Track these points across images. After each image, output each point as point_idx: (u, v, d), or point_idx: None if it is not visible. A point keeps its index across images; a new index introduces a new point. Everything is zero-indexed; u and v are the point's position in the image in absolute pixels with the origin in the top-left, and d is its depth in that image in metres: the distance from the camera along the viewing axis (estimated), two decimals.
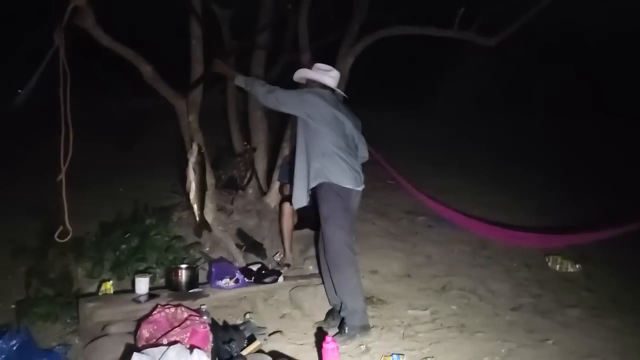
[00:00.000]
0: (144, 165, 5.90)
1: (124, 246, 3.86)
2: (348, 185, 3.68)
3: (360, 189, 3.79)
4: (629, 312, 4.09)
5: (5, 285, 3.65)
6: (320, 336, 3.64)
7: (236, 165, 5.12)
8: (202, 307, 3.44)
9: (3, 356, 2.91)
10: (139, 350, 2.61)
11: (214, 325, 3.18)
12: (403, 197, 6.01)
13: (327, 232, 3.70)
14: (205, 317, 3.27)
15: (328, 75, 3.90)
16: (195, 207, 4.10)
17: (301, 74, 4.00)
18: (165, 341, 2.84)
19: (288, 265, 4.64)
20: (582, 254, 5.07)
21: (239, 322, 3.71)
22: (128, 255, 3.83)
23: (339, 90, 3.99)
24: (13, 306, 3.49)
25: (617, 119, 9.60)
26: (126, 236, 3.92)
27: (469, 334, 3.67)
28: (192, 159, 4.08)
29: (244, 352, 2.87)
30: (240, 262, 4.45)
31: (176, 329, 2.92)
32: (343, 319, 3.63)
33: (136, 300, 3.44)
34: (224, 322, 3.46)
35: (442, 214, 5.44)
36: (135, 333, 3.04)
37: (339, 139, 3.72)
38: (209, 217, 4.50)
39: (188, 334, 2.92)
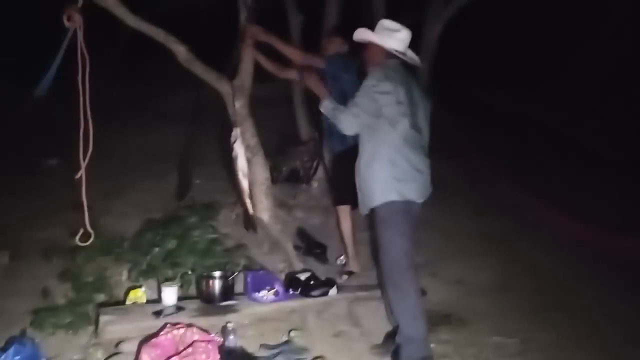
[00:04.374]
0: (206, 157, 5.51)
1: (157, 249, 3.47)
2: (414, 198, 3.01)
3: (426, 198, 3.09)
4: None
5: (34, 290, 3.43)
6: None
7: (299, 156, 4.54)
8: (229, 324, 2.94)
9: None
10: None
11: (227, 353, 2.65)
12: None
13: (383, 237, 3.01)
14: (219, 340, 2.77)
15: (395, 38, 3.08)
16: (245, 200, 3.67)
17: (362, 35, 3.20)
18: None
19: (351, 272, 3.99)
20: None
21: (283, 339, 3.17)
22: (161, 259, 3.43)
23: (410, 54, 3.16)
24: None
25: None
26: (158, 238, 3.53)
27: None
28: (236, 147, 3.62)
29: None
30: (296, 266, 3.91)
31: (174, 357, 2.44)
32: (398, 346, 2.93)
33: (156, 314, 3.02)
34: (241, 347, 2.91)
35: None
36: (136, 357, 2.61)
37: (410, 136, 2.98)
38: (265, 215, 4.00)
39: None
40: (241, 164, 3.83)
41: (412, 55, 3.18)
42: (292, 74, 4.38)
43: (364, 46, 3.22)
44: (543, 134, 7.05)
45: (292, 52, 3.97)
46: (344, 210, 3.97)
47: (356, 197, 3.21)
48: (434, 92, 4.57)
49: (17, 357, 2.71)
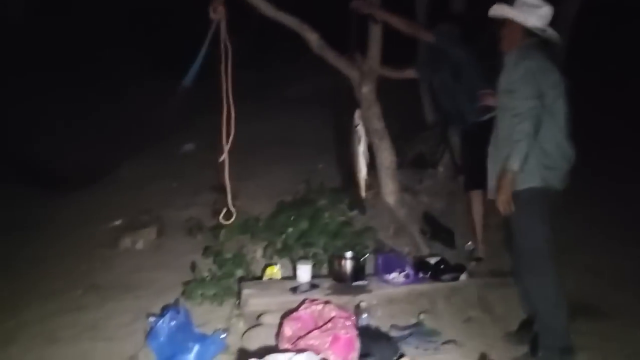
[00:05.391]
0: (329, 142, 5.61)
1: (290, 229, 3.64)
2: (556, 186, 2.88)
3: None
4: None
5: (180, 263, 3.73)
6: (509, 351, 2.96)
7: (425, 140, 4.51)
8: (362, 303, 3.03)
9: (161, 337, 2.93)
10: (259, 355, 2.30)
11: (363, 330, 2.73)
12: None
13: (522, 223, 2.90)
14: (354, 318, 2.85)
15: (536, 14, 2.89)
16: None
17: (500, 11, 2.99)
18: (302, 344, 2.51)
19: (479, 259, 3.92)
20: None
21: (412, 321, 3.21)
22: (295, 239, 3.60)
23: (550, 31, 2.92)
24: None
25: None
26: (292, 218, 3.70)
27: None
28: (358, 130, 3.67)
29: None
30: (423, 250, 3.92)
31: (315, 331, 2.57)
32: (536, 335, 2.85)
33: (293, 290, 3.18)
34: (375, 327, 2.97)
35: None
36: (278, 329, 2.78)
37: (562, 121, 2.84)
38: (390, 198, 4.06)
39: (329, 339, 2.53)
40: (361, 147, 3.88)
41: (552, 33, 2.96)
42: (409, 74, 4.36)
43: (500, 23, 3.09)
44: None
45: (398, 22, 3.80)
46: (477, 195, 3.90)
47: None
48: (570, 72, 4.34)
49: (173, 323, 2.97)
